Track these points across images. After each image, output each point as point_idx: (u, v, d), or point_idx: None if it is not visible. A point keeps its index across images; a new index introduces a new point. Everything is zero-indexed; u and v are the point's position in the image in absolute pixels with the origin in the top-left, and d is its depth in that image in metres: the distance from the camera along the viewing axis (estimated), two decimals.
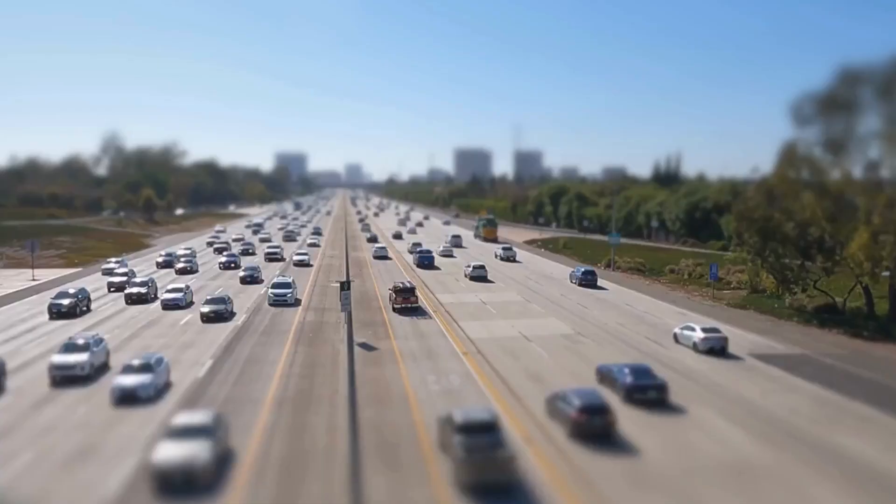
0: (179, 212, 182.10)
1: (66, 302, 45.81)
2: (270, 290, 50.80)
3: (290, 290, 50.59)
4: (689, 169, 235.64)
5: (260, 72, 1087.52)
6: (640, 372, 28.27)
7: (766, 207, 46.65)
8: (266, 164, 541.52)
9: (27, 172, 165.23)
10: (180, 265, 70.92)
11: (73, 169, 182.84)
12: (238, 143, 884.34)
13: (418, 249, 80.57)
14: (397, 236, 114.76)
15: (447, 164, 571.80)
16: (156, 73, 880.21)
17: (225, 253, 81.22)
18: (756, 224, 46.84)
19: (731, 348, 36.79)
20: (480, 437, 19.70)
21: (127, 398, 27.06)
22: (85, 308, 47.72)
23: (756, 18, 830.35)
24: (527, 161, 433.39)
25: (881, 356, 36.40)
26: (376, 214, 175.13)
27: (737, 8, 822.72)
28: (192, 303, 49.77)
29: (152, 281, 54.82)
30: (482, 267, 65.28)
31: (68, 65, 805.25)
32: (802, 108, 44.20)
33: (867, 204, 42.69)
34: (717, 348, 35.91)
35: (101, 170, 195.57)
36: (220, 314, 43.89)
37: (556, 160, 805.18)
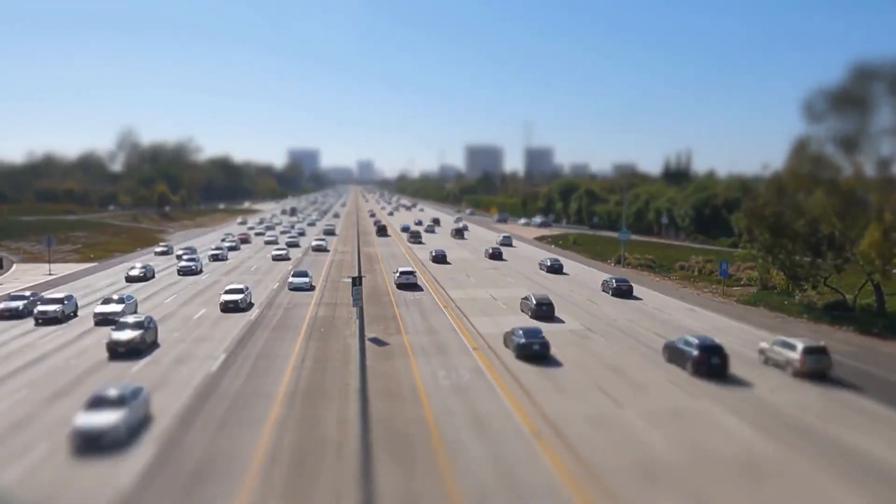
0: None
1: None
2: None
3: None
4: (700, 166, 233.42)
5: (274, 70, 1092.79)
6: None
7: (776, 204, 46.58)
8: (279, 160, 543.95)
9: (44, 168, 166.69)
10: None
11: (88, 165, 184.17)
12: (252, 140, 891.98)
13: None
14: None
15: (458, 161, 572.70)
16: (172, 72, 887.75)
17: None
18: (766, 221, 46.78)
19: (740, 344, 36.95)
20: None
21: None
22: None
23: (767, 17, 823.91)
24: (537, 158, 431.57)
25: (891, 353, 36.33)
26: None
27: (749, 7, 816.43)
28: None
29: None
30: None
31: (85, 62, 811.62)
32: (815, 104, 44.03)
33: (879, 201, 42.55)
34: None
35: (117, 166, 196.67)
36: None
37: (566, 157, 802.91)
